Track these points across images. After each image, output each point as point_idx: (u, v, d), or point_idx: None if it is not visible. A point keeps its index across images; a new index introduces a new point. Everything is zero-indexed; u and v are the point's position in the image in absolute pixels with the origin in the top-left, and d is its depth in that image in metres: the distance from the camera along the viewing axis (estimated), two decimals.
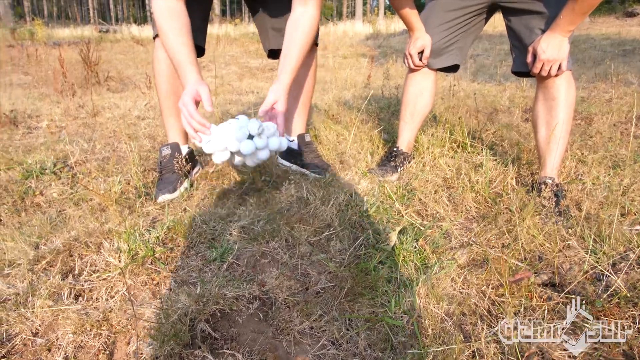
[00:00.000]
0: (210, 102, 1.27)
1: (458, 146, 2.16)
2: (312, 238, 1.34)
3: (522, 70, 1.67)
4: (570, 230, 1.42)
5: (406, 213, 1.54)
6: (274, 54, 1.83)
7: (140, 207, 1.49)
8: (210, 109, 1.26)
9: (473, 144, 2.10)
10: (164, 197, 1.61)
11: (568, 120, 1.62)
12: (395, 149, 1.95)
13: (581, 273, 1.17)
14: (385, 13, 26.29)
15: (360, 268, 1.19)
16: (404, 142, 1.95)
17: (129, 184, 1.74)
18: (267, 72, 6.63)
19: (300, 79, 1.82)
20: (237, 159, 1.32)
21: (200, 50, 1.70)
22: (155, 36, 1.59)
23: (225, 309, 0.97)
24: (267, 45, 1.82)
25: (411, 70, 1.87)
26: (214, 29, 13.20)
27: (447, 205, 1.63)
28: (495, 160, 1.96)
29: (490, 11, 1.79)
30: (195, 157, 1.84)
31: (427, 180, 1.79)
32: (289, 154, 1.97)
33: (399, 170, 1.90)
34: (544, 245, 1.36)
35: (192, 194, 1.63)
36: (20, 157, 1.95)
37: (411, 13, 1.73)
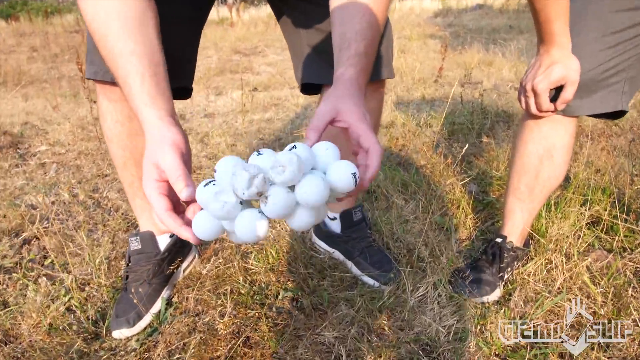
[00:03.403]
0: (183, 182, 0.51)
1: (594, 223, 1.29)
2: None
3: None
4: None
5: None
6: (312, 89, 1.07)
7: None
8: (185, 194, 0.51)
9: (629, 223, 1.22)
10: (120, 333, 0.95)
11: None
12: (498, 240, 1.13)
13: None
14: None
15: None
16: (514, 229, 1.12)
17: (88, 285, 1.09)
18: None
19: None
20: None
21: (184, 92, 0.98)
22: (100, 80, 0.87)
23: None
24: (300, 75, 1.05)
25: (532, 116, 1.02)
26: (268, 9, 12.34)
27: None
28: None
29: None
30: (184, 245, 1.15)
31: (560, 313, 0.98)
32: (329, 238, 1.22)
33: (504, 279, 1.09)
34: None
35: (161, 333, 0.95)
36: None
37: (558, 14, 0.88)
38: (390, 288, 1.05)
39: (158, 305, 1.02)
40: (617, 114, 0.98)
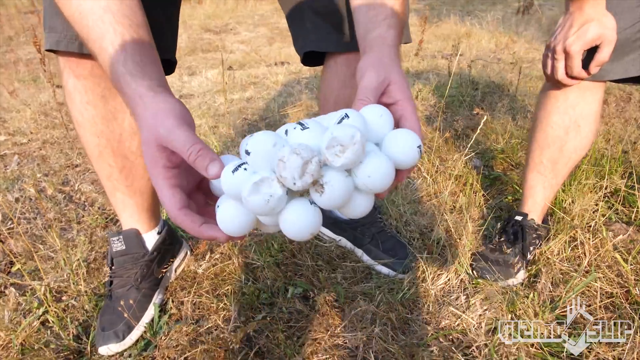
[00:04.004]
0: (208, 157, 0.38)
1: (612, 194, 1.22)
2: None
3: None
4: None
5: None
6: (314, 59, 0.93)
7: None
8: (213, 171, 0.37)
9: None
10: (108, 349, 0.82)
11: None
12: (518, 218, 1.04)
13: None
14: None
15: None
16: (535, 206, 1.03)
17: (65, 294, 0.95)
18: None
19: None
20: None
21: (168, 66, 0.82)
22: (63, 52, 0.70)
23: None
24: (302, 44, 0.90)
25: (557, 84, 0.91)
26: None
27: None
28: None
29: None
30: (174, 242, 1.01)
31: (591, 294, 0.90)
32: (335, 225, 1.10)
33: (528, 258, 1.01)
34: None
35: (157, 347, 0.82)
36: None
37: None
38: (409, 277, 0.95)
39: (150, 313, 0.88)
40: None
